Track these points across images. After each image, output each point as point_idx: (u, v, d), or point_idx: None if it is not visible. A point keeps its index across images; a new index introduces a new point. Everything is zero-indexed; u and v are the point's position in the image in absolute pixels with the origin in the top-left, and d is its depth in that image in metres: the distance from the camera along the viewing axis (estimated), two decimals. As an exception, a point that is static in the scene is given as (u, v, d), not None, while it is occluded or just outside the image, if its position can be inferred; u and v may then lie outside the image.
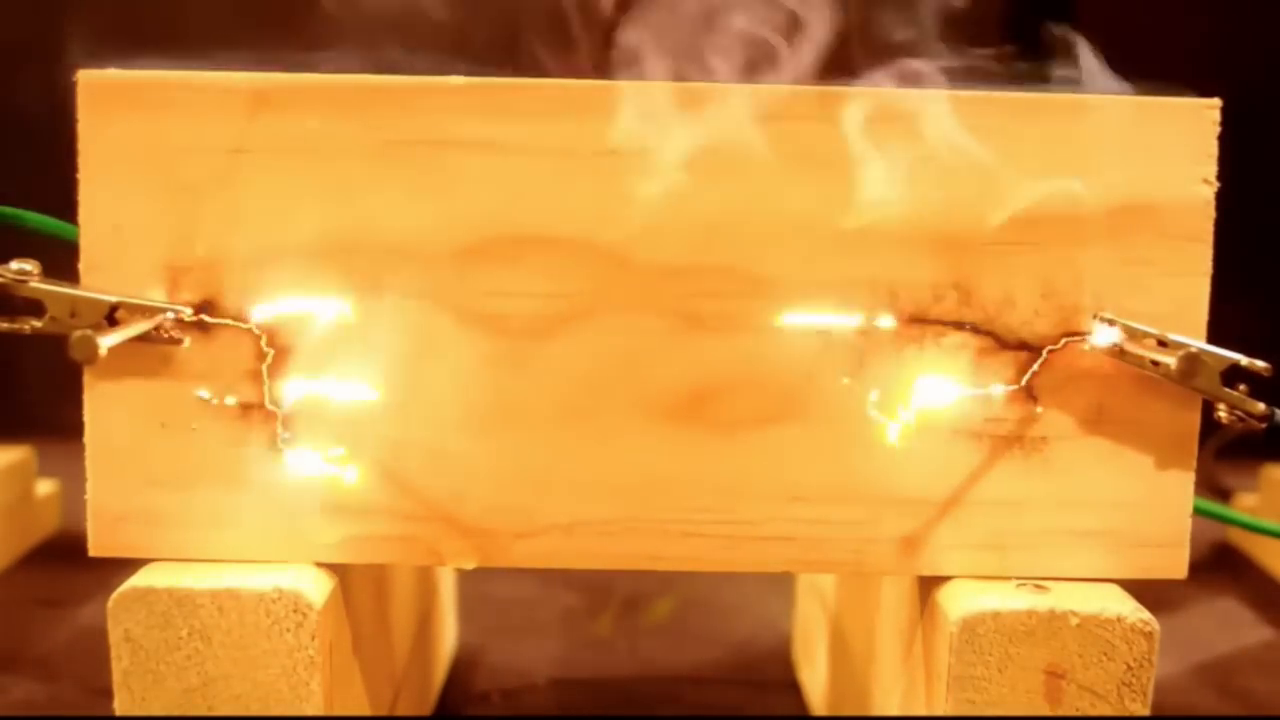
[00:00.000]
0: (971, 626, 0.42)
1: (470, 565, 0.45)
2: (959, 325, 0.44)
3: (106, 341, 0.40)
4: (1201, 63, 0.45)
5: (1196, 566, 0.45)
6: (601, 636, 0.74)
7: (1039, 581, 0.44)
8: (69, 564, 0.77)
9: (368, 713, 0.49)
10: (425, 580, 0.63)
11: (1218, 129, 0.43)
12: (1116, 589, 0.44)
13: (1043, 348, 0.44)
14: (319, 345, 0.44)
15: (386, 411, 0.44)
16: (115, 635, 0.41)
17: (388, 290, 0.43)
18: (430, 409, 0.44)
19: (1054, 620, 0.42)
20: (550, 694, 0.67)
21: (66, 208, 0.43)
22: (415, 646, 0.59)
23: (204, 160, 0.43)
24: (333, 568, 0.44)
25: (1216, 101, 0.43)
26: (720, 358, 0.44)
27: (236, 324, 0.43)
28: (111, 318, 0.42)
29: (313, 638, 0.41)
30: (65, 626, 0.71)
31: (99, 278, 0.43)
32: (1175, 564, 0.45)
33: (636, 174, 0.43)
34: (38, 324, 0.42)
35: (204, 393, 0.44)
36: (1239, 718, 0.65)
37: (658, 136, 0.43)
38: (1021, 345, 0.44)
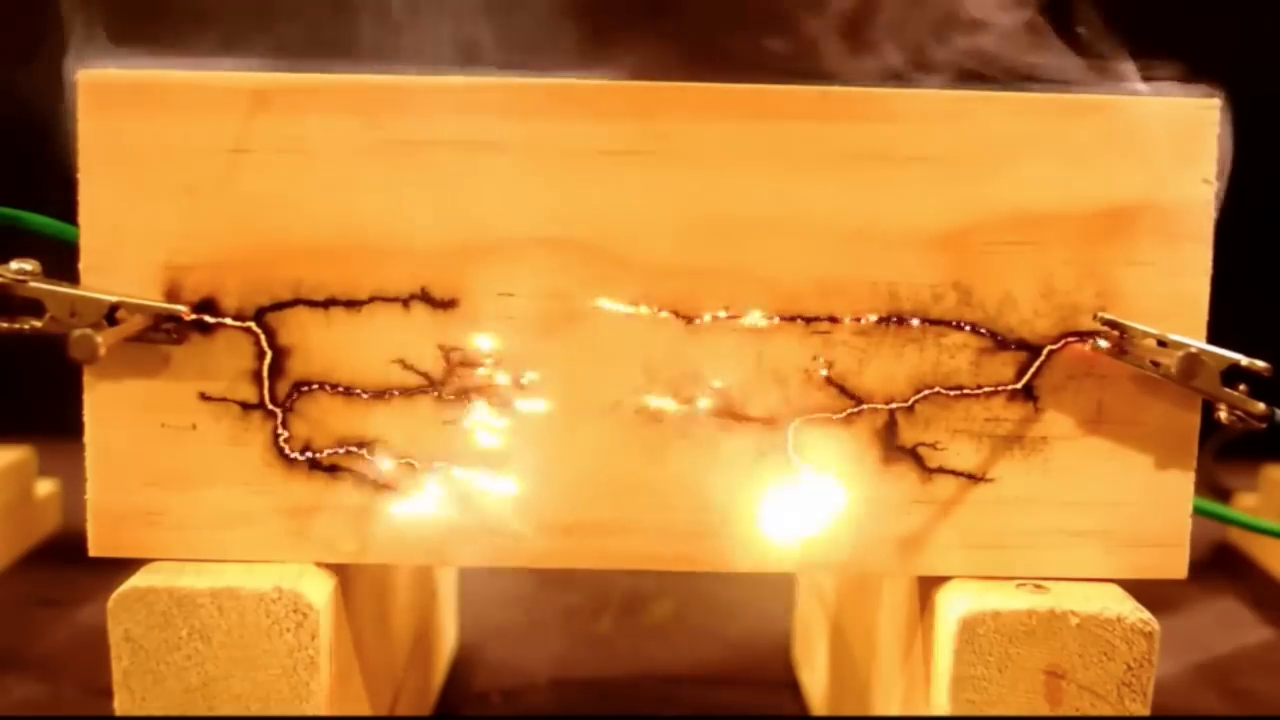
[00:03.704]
0: (971, 626, 0.42)
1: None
2: (959, 325, 0.44)
3: (106, 341, 0.40)
4: (1202, 61, 0.45)
5: (1196, 566, 0.45)
6: (601, 636, 0.74)
7: (1039, 581, 0.44)
8: (69, 564, 0.77)
9: (368, 713, 0.49)
10: (425, 580, 0.63)
11: (1217, 129, 0.43)
12: (1116, 589, 0.44)
13: (1043, 348, 0.44)
14: (318, 345, 0.44)
15: (386, 411, 0.44)
16: (115, 635, 0.41)
17: (386, 290, 0.43)
18: (429, 409, 0.44)
19: (1054, 620, 0.42)
20: (550, 694, 0.67)
21: (67, 208, 0.43)
22: (415, 646, 0.59)
23: (204, 160, 0.43)
24: (333, 568, 0.44)
25: (1216, 101, 0.43)
26: (720, 358, 0.44)
27: (236, 324, 0.43)
28: (111, 318, 0.42)
29: (313, 638, 0.41)
30: (65, 626, 0.71)
31: (99, 278, 0.43)
32: (1175, 564, 0.45)
33: (637, 174, 0.43)
34: (38, 324, 0.42)
35: (204, 393, 0.44)
36: (1239, 718, 0.65)
37: (658, 136, 0.43)
38: (1021, 345, 0.44)
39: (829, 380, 0.44)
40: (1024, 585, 0.44)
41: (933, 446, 0.44)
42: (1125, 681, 0.42)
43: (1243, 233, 0.45)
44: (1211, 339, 0.43)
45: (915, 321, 0.44)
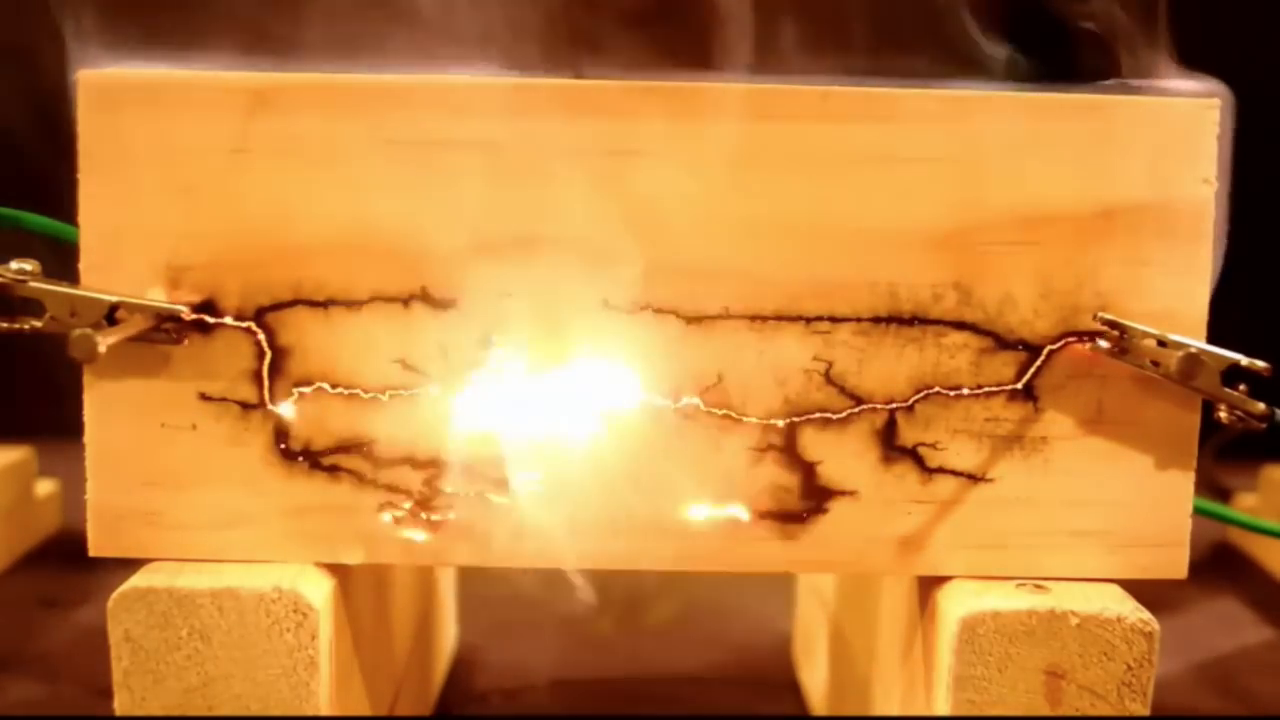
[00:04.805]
0: (971, 626, 0.42)
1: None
2: (959, 325, 0.44)
3: (106, 341, 0.40)
4: (1202, 60, 0.45)
5: (1196, 566, 0.45)
6: (601, 636, 0.74)
7: (1039, 581, 0.44)
8: (69, 564, 0.77)
9: (368, 713, 0.49)
10: (425, 580, 0.63)
11: (1218, 129, 0.43)
12: (1116, 589, 0.44)
13: (1043, 348, 0.44)
14: (318, 345, 0.44)
15: (386, 411, 0.44)
16: (115, 635, 0.41)
17: (386, 290, 0.43)
18: (429, 409, 0.44)
19: (1054, 620, 0.42)
20: (550, 694, 0.67)
21: (67, 208, 0.43)
22: (415, 646, 0.59)
23: (204, 160, 0.43)
24: (333, 568, 0.44)
25: (1216, 101, 0.43)
26: (721, 357, 0.44)
27: (236, 324, 0.43)
28: (111, 317, 0.42)
29: (313, 638, 0.41)
30: (65, 626, 0.71)
31: (99, 278, 0.43)
32: (1175, 564, 0.45)
33: (637, 174, 0.43)
34: (38, 324, 0.42)
35: (204, 393, 0.44)
36: (1239, 718, 0.65)
37: (658, 136, 0.43)
38: (1021, 345, 0.44)
39: (829, 380, 0.44)
40: (1024, 585, 0.44)
41: (933, 446, 0.44)
42: (1125, 681, 0.42)
43: (1243, 233, 0.45)
44: (1211, 339, 0.43)
45: (915, 321, 0.44)
